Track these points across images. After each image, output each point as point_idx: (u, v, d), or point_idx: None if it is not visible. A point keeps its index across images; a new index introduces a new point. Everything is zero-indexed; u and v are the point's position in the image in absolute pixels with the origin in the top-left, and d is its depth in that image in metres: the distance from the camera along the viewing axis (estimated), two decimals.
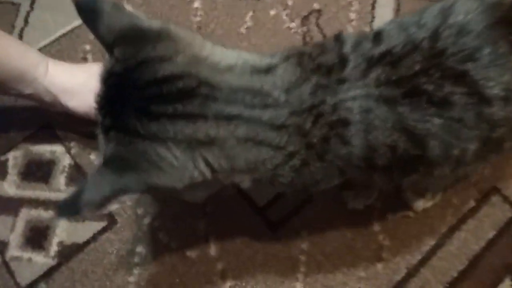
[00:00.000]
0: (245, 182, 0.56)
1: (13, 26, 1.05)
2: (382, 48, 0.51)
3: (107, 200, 0.46)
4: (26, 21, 1.06)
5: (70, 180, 0.87)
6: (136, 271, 0.79)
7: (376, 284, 0.76)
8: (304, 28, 1.01)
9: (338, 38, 0.54)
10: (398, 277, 0.76)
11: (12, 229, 0.83)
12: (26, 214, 0.84)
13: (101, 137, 0.49)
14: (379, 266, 0.77)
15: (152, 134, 0.47)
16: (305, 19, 1.02)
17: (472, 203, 0.80)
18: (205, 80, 0.48)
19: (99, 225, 0.82)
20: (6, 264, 0.80)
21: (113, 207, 0.49)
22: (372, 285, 0.76)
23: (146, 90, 0.47)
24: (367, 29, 0.99)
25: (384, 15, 1.00)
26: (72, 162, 0.89)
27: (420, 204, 0.79)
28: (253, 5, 1.04)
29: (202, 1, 1.06)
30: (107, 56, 0.51)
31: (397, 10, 1.01)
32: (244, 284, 0.77)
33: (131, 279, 0.78)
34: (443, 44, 0.50)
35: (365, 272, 0.76)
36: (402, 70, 0.50)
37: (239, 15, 1.03)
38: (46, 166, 0.89)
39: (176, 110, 0.47)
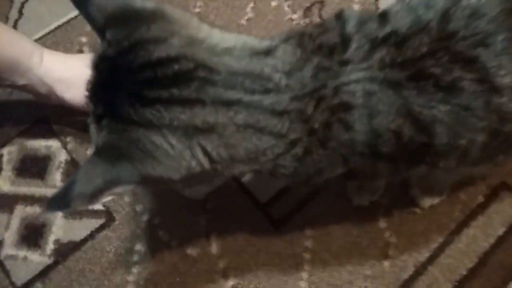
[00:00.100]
0: (246, 173, 0.53)
1: (7, 18, 1.04)
2: (387, 29, 0.49)
3: (99, 192, 0.44)
4: (20, 13, 1.05)
5: (67, 176, 0.86)
6: (135, 269, 0.77)
7: (382, 282, 0.74)
8: (307, 20, 1.00)
9: (340, 17, 0.51)
10: (406, 275, 0.74)
11: (6, 226, 0.82)
12: (21, 211, 0.83)
13: (93, 127, 0.47)
14: (386, 264, 0.75)
15: (146, 120, 0.45)
16: (307, 10, 1.01)
17: (480, 199, 0.79)
18: (202, 63, 0.46)
19: (96, 223, 0.81)
20: (1, 263, 0.79)
21: (107, 198, 0.46)
22: (378, 284, 0.74)
23: (140, 74, 0.45)
24: None
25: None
26: (69, 158, 0.87)
27: (427, 201, 0.78)
28: None
29: None
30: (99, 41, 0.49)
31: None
32: (246, 283, 0.76)
33: (130, 278, 0.77)
34: (454, 26, 0.48)
35: (371, 270, 0.75)
36: (408, 52, 0.48)
37: (240, 6, 1.02)
38: (41, 161, 0.87)
39: (172, 95, 0.45)
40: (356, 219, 0.78)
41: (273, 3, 1.02)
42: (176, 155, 0.46)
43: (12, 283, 0.77)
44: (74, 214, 0.82)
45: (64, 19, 1.02)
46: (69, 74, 0.77)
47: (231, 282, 0.76)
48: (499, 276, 0.74)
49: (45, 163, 0.87)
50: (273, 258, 0.77)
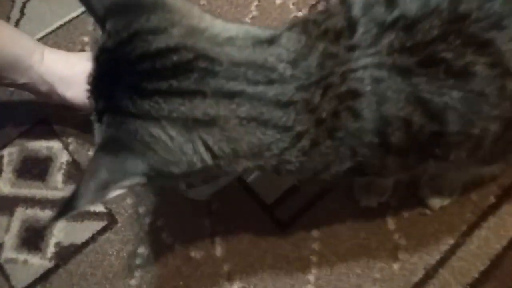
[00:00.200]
0: (250, 172, 0.51)
1: (8, 18, 1.03)
2: (396, 12, 0.47)
3: (105, 185, 0.42)
4: (22, 12, 1.04)
5: (68, 177, 0.85)
6: (137, 273, 0.76)
7: (392, 286, 0.73)
8: None
9: (345, 1, 0.50)
10: (416, 279, 0.73)
11: (7, 229, 0.81)
12: (21, 214, 0.82)
13: (96, 126, 0.46)
14: (395, 267, 0.74)
15: (144, 112, 0.43)
16: (312, 8, 1.00)
17: (492, 200, 0.78)
18: (203, 53, 0.45)
19: (98, 225, 0.80)
20: (0, 267, 0.78)
21: (115, 193, 0.44)
22: (388, 287, 0.72)
23: (139, 65, 0.44)
24: None
25: None
26: (70, 159, 0.86)
27: (437, 202, 0.77)
28: None
29: None
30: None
31: None
32: (252, 286, 0.74)
33: (133, 282, 0.76)
34: (466, 8, 0.46)
35: (380, 274, 0.74)
36: (417, 36, 0.46)
37: (244, 4, 1.01)
38: (42, 163, 0.86)
39: (171, 86, 0.43)
40: (364, 221, 0.77)
41: (278, 1, 1.01)
42: (176, 148, 0.44)
43: (12, 287, 0.76)
44: (76, 217, 0.80)
45: (66, 19, 1.01)
46: (70, 72, 0.76)
47: (236, 286, 0.74)
48: None
49: (46, 164, 0.86)
50: (279, 261, 0.75)
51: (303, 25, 0.49)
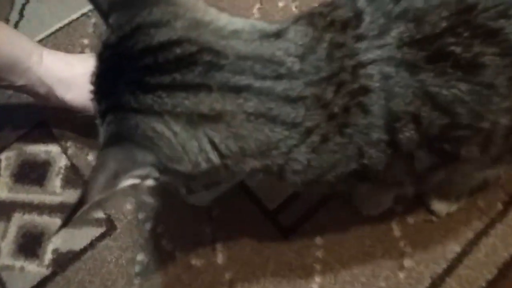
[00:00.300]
0: (255, 172, 0.50)
1: (7, 20, 1.02)
2: (403, 3, 0.46)
3: (114, 176, 0.40)
4: (21, 14, 1.03)
5: (66, 182, 0.83)
6: (137, 281, 0.75)
7: None
8: None
9: None
10: (422, 287, 0.72)
11: (3, 235, 0.80)
12: (18, 219, 0.81)
13: (100, 130, 0.45)
14: (401, 275, 0.73)
15: (146, 107, 0.42)
16: None
17: (499, 207, 0.77)
18: (207, 46, 0.43)
19: (97, 231, 0.78)
20: None
21: (127, 182, 0.42)
22: None
23: (141, 60, 0.43)
24: None
25: None
26: (69, 163, 0.85)
27: (444, 208, 0.75)
28: None
29: None
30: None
31: None
32: None
33: None
34: None
35: (385, 282, 0.72)
36: (426, 28, 0.45)
37: (246, 7, 1.00)
38: (40, 167, 0.85)
39: (174, 80, 0.42)
40: (369, 228, 0.76)
41: (280, 4, 1.00)
42: (180, 145, 0.43)
43: None
44: (74, 223, 0.79)
45: (66, 21, 1.00)
46: (69, 74, 0.75)
47: None
48: None
49: (45, 168, 0.84)
50: (282, 268, 0.74)
51: (309, 18, 0.48)
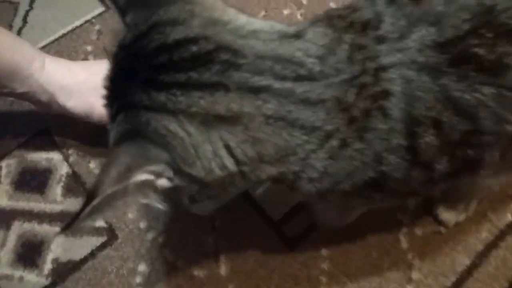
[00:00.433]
0: (266, 181, 0.48)
1: (11, 26, 1.02)
2: (423, 6, 0.45)
3: (128, 169, 0.39)
4: (24, 21, 1.03)
5: (68, 190, 0.82)
6: None
7: None
8: None
9: None
10: None
11: (2, 244, 0.78)
12: (18, 228, 0.79)
13: (111, 133, 0.43)
14: None
15: (159, 104, 0.40)
16: None
17: (509, 218, 0.75)
18: (225, 44, 0.42)
19: (98, 241, 0.77)
20: None
21: (141, 177, 0.40)
22: None
23: (155, 58, 0.41)
24: None
25: None
26: (70, 171, 0.83)
27: (452, 218, 0.74)
28: (265, 3, 1.02)
29: None
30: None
31: None
32: None
33: None
34: None
35: None
36: (448, 31, 0.44)
37: (251, 14, 0.98)
38: (41, 175, 0.83)
39: (190, 78, 0.40)
40: (376, 239, 0.74)
41: (285, 12, 1.00)
42: (193, 147, 0.41)
43: None
44: (74, 231, 0.77)
45: (69, 28, 1.00)
46: (72, 81, 0.74)
47: None
48: None
49: (46, 176, 0.83)
50: (286, 280, 0.72)
51: (327, 20, 0.47)
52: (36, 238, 0.78)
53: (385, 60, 0.44)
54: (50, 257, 0.76)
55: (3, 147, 0.86)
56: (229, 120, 0.41)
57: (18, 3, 1.05)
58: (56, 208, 0.80)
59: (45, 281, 0.74)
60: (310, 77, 0.43)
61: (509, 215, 0.75)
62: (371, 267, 0.72)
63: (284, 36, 0.45)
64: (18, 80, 0.71)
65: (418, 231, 0.74)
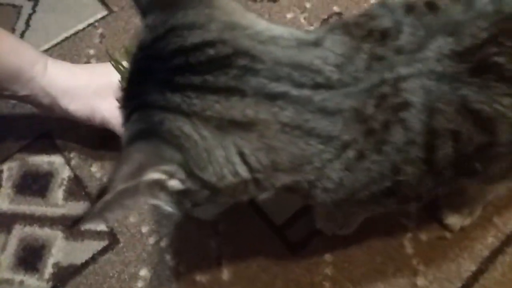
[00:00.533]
0: (282, 188, 0.47)
1: (13, 29, 1.02)
2: (440, 16, 0.44)
3: (141, 167, 0.38)
4: (27, 24, 1.03)
5: (69, 194, 0.81)
6: None
7: None
8: None
9: (385, 5, 0.47)
10: None
11: (3, 248, 0.77)
12: (19, 232, 0.78)
13: (124, 133, 0.43)
14: None
15: (174, 105, 0.40)
16: (324, 23, 0.98)
17: None
18: (243, 49, 0.41)
19: (99, 245, 0.76)
20: None
21: (153, 176, 0.40)
22: None
23: (172, 61, 0.41)
24: None
25: None
26: (72, 175, 0.83)
27: (457, 222, 0.73)
28: (268, 7, 1.01)
29: None
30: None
31: None
32: None
33: None
34: (509, 6, 0.44)
35: None
36: (466, 40, 0.43)
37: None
38: (43, 178, 0.83)
39: (206, 81, 0.40)
40: (380, 244, 0.73)
41: (289, 15, 0.99)
42: (206, 151, 0.40)
43: None
44: (76, 235, 0.77)
45: (72, 31, 1.00)
46: (74, 85, 0.74)
47: None
48: None
49: (47, 180, 0.82)
50: (289, 286, 0.71)
51: (344, 28, 0.46)
52: (37, 242, 0.77)
53: (404, 70, 0.43)
54: (51, 261, 0.75)
55: (5, 150, 0.86)
56: (244, 126, 0.40)
57: (21, 6, 1.05)
58: (58, 211, 0.79)
59: (45, 286, 0.73)
60: (328, 85, 0.42)
61: None
62: (375, 272, 0.71)
63: (303, 43, 0.44)
64: (20, 83, 0.71)
65: (423, 236, 0.73)
